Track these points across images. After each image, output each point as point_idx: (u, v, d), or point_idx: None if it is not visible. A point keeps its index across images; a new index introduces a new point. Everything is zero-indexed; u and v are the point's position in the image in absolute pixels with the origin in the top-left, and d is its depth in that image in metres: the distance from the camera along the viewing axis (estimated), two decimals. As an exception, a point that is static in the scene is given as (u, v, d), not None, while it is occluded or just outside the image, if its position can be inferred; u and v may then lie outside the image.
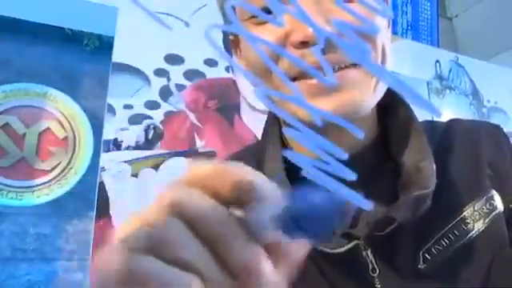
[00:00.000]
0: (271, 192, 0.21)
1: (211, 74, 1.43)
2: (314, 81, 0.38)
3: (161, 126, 1.33)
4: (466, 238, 0.43)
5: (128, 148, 1.27)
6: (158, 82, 1.35)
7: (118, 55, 1.31)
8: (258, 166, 0.47)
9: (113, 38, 1.31)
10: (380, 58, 0.41)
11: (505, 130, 0.52)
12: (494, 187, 0.46)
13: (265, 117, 0.53)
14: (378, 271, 0.41)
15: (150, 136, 1.31)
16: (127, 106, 1.30)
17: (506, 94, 2.10)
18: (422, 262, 0.41)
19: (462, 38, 2.39)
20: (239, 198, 0.21)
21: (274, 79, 0.41)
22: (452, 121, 0.53)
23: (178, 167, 1.30)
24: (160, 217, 0.21)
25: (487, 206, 0.45)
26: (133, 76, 1.33)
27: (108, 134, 1.26)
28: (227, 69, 1.45)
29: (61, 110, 1.29)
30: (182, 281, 0.19)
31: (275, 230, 0.19)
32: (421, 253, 0.41)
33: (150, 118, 1.32)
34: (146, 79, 1.34)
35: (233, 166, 0.22)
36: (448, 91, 1.96)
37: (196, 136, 1.37)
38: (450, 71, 1.99)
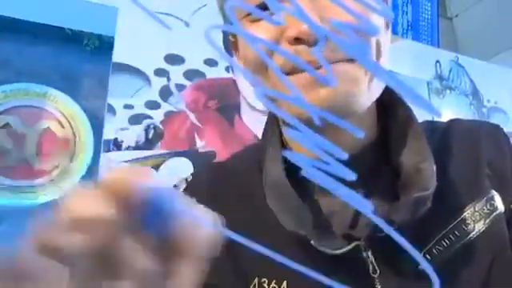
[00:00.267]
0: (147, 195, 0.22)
1: (211, 73, 1.43)
2: (305, 74, 0.38)
3: (161, 126, 1.33)
4: (466, 238, 0.43)
5: (128, 148, 1.27)
6: (158, 82, 1.36)
7: (118, 55, 1.31)
8: (259, 166, 0.47)
9: (113, 37, 1.31)
10: (375, 55, 0.41)
11: (505, 130, 0.52)
12: (495, 187, 0.46)
13: (265, 117, 0.53)
14: (378, 272, 0.41)
15: (150, 136, 1.31)
16: (127, 106, 1.30)
17: (506, 94, 2.09)
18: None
19: (462, 37, 2.39)
20: (126, 202, 0.22)
21: (270, 76, 0.41)
22: (452, 121, 0.53)
23: (178, 167, 1.30)
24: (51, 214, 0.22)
25: (488, 206, 0.45)
26: (133, 76, 1.33)
27: (108, 133, 1.26)
28: (227, 69, 1.45)
29: (61, 109, 1.29)
30: (47, 267, 0.20)
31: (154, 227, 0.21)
32: (421, 253, 0.41)
33: (150, 117, 1.32)
34: (146, 79, 1.34)
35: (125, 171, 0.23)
36: (448, 91, 1.96)
37: (196, 136, 1.37)
38: (450, 71, 1.99)
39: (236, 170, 0.52)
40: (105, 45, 1.33)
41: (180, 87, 1.38)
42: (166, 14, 1.39)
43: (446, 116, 1.66)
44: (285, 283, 0.42)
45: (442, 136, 0.49)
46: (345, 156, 0.15)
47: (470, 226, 0.43)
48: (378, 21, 0.42)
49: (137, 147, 1.28)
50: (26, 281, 0.20)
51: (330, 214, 0.44)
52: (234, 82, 1.46)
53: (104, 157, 1.24)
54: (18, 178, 1.21)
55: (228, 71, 1.46)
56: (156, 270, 0.22)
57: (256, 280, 0.43)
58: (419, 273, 0.40)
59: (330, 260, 0.40)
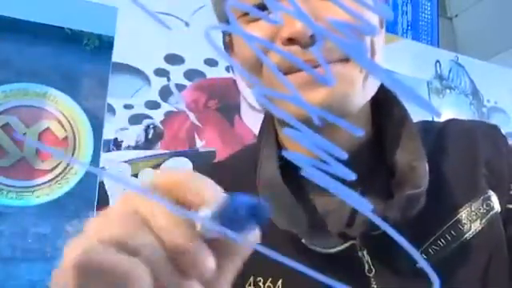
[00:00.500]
0: (214, 196, 0.23)
1: (211, 73, 1.43)
2: (302, 73, 0.38)
3: (161, 126, 1.33)
4: (462, 238, 0.43)
5: (128, 148, 1.28)
6: (158, 82, 1.36)
7: (118, 55, 1.31)
8: (254, 166, 0.47)
9: (113, 37, 1.31)
10: (369, 54, 0.41)
11: (505, 129, 0.52)
12: (491, 187, 0.46)
13: (265, 117, 0.53)
14: (374, 271, 0.41)
15: (150, 136, 1.31)
16: (127, 106, 1.30)
17: (506, 94, 2.09)
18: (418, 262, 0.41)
19: (462, 38, 2.39)
20: (187, 200, 0.23)
21: (265, 76, 0.41)
22: (449, 121, 0.53)
23: (178, 167, 1.30)
24: (119, 210, 0.23)
25: (484, 206, 0.45)
26: (133, 76, 1.33)
27: (108, 133, 1.26)
28: (227, 69, 1.45)
29: (61, 110, 1.29)
30: (128, 265, 0.20)
31: (221, 229, 0.21)
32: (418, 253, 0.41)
33: (150, 117, 1.32)
34: (146, 79, 1.34)
35: (189, 176, 0.24)
36: (448, 91, 1.96)
37: (196, 136, 1.37)
38: (450, 71, 1.99)
39: (234, 170, 0.52)
40: (105, 45, 1.33)
41: (180, 87, 1.38)
42: (166, 13, 1.39)
43: (446, 116, 1.66)
44: (280, 282, 0.42)
45: (438, 136, 0.49)
46: (344, 155, 0.15)
47: (466, 226, 0.43)
48: (373, 19, 0.43)
49: (137, 147, 1.28)
50: (113, 279, 0.20)
51: (325, 213, 0.44)
52: (234, 81, 1.46)
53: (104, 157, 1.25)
54: (18, 178, 1.21)
55: (228, 71, 1.46)
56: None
57: (251, 279, 0.43)
58: (415, 272, 0.40)
59: (326, 259, 0.40)
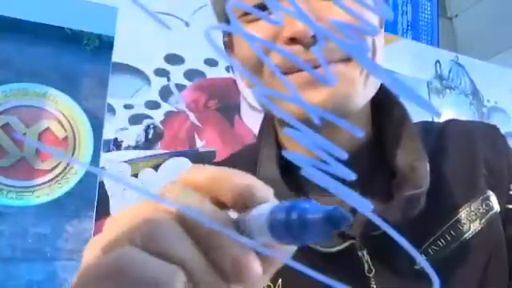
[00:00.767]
0: (267, 198, 0.21)
1: (211, 73, 1.43)
2: (303, 73, 0.38)
3: (161, 126, 1.33)
4: (462, 238, 0.43)
5: (128, 148, 1.28)
6: (158, 82, 1.36)
7: (118, 55, 1.31)
8: (254, 166, 0.47)
9: (113, 37, 1.31)
10: (371, 54, 0.41)
11: (505, 129, 0.52)
12: (491, 187, 0.46)
13: (265, 117, 0.53)
14: (373, 271, 0.41)
15: (150, 136, 1.31)
16: (127, 106, 1.30)
17: (506, 94, 2.09)
18: (418, 263, 0.41)
19: (462, 37, 2.39)
20: (236, 201, 0.21)
21: (265, 76, 0.41)
22: (448, 121, 0.53)
23: (178, 167, 1.30)
24: (151, 212, 0.21)
25: (483, 206, 0.45)
26: (133, 76, 1.33)
27: (108, 133, 1.26)
28: (227, 69, 1.45)
29: (61, 110, 1.29)
30: (164, 272, 0.19)
31: (266, 234, 0.19)
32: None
33: (150, 117, 1.32)
34: (146, 79, 1.34)
35: (233, 171, 0.22)
36: (448, 91, 1.96)
37: (196, 136, 1.37)
38: (450, 71, 1.99)
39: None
40: (105, 45, 1.33)
41: (180, 87, 1.38)
42: (166, 13, 1.39)
43: (446, 116, 1.66)
44: (280, 281, 0.42)
45: (437, 136, 0.49)
46: (345, 156, 0.15)
47: (465, 226, 0.44)
48: (373, 20, 0.43)
49: (137, 147, 1.28)
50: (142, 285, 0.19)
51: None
52: (234, 81, 1.46)
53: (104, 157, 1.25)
54: (18, 178, 1.21)
55: (228, 71, 1.46)
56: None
57: None
58: (415, 272, 0.40)
59: (325, 259, 0.40)
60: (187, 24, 1.42)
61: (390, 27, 2.12)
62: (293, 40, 0.38)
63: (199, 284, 0.20)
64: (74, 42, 1.32)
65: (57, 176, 1.25)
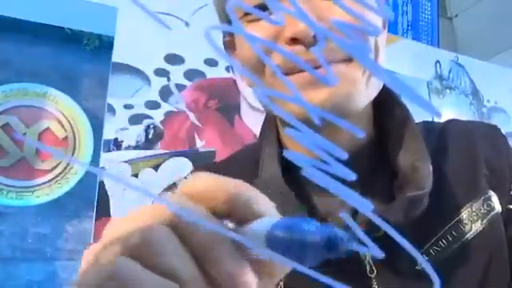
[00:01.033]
0: (267, 211, 0.21)
1: (211, 73, 1.43)
2: (304, 74, 0.38)
3: (161, 126, 1.33)
4: (463, 238, 0.43)
5: (128, 148, 1.27)
6: (158, 82, 1.36)
7: (118, 55, 1.31)
8: (255, 165, 0.47)
9: (113, 37, 1.31)
10: (373, 55, 0.41)
11: (505, 129, 0.52)
12: (492, 188, 0.46)
13: (265, 117, 0.53)
14: (375, 272, 0.41)
15: (150, 136, 1.31)
16: (127, 106, 1.30)
17: (506, 94, 2.09)
18: (419, 263, 0.41)
19: (462, 37, 2.39)
20: (234, 212, 0.21)
21: (266, 76, 0.41)
22: (449, 121, 0.53)
23: (178, 167, 1.30)
24: (148, 221, 0.20)
25: (485, 206, 0.45)
26: (133, 76, 1.33)
27: (108, 133, 1.26)
28: (227, 69, 1.45)
29: (61, 110, 1.29)
30: (156, 286, 0.19)
31: (263, 247, 0.19)
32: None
33: (150, 117, 1.32)
34: (146, 79, 1.34)
35: (232, 180, 0.22)
36: (448, 91, 1.96)
37: (196, 136, 1.37)
38: (450, 71, 1.99)
39: (234, 169, 0.52)
40: (105, 45, 1.33)
41: (180, 87, 1.38)
42: (166, 13, 1.39)
43: (446, 116, 1.66)
44: (282, 283, 0.42)
45: (439, 136, 0.49)
46: (345, 156, 0.15)
47: (467, 227, 0.43)
48: (377, 20, 0.43)
49: (137, 147, 1.28)
50: None
51: (326, 214, 0.44)
52: (234, 81, 1.46)
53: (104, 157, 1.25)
54: (18, 178, 1.21)
55: (228, 71, 1.46)
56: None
57: None
58: (416, 272, 0.40)
59: (326, 259, 0.40)
60: (187, 24, 1.42)
61: (390, 27, 2.12)
62: (294, 40, 0.38)
63: None
64: (73, 42, 1.31)
65: (57, 176, 1.24)
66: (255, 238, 0.20)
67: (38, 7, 1.25)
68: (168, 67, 1.37)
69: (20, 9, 1.23)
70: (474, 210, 0.44)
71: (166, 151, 1.32)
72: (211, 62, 1.43)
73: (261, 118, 0.53)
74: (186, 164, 1.32)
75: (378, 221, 0.16)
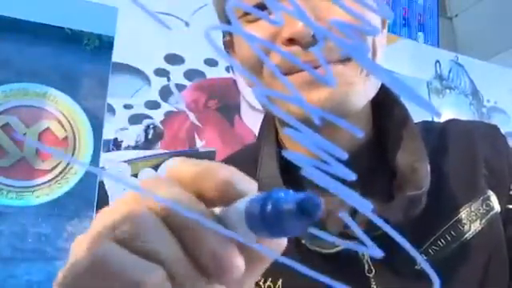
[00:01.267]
0: (249, 191, 0.21)
1: (211, 73, 1.43)
2: (303, 74, 0.38)
3: (161, 126, 1.33)
4: (462, 238, 0.43)
5: (128, 148, 1.28)
6: (158, 82, 1.36)
7: (118, 55, 1.31)
8: (254, 165, 0.47)
9: (113, 37, 1.31)
10: (371, 54, 0.41)
11: (505, 129, 0.52)
12: (491, 187, 0.46)
13: (265, 117, 0.53)
14: (373, 271, 0.41)
15: (150, 136, 1.31)
16: (127, 106, 1.30)
17: (506, 94, 2.09)
18: (418, 263, 0.41)
19: (462, 37, 2.39)
20: (220, 196, 0.21)
21: (265, 76, 0.41)
22: (448, 121, 0.53)
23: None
24: (136, 207, 0.21)
25: (484, 206, 0.45)
26: (133, 76, 1.33)
27: (108, 133, 1.26)
28: (227, 69, 1.45)
29: (61, 109, 1.29)
30: (143, 270, 0.19)
31: (250, 229, 0.19)
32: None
33: (150, 117, 1.32)
34: (146, 79, 1.34)
35: (217, 164, 0.22)
36: (448, 91, 1.96)
37: (196, 136, 1.37)
38: (450, 71, 1.99)
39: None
40: (105, 45, 1.33)
41: (180, 87, 1.38)
42: (166, 13, 1.39)
43: (445, 116, 1.66)
44: (280, 282, 0.42)
45: (438, 136, 0.49)
46: (345, 156, 0.15)
47: (466, 226, 0.44)
48: (376, 20, 0.43)
49: (137, 147, 1.28)
50: (117, 281, 0.19)
51: (325, 213, 0.44)
52: (234, 81, 1.46)
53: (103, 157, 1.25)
54: (18, 178, 1.21)
55: (228, 71, 1.46)
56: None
57: None
58: (415, 272, 0.40)
59: (325, 259, 0.40)
60: (187, 24, 1.42)
61: (390, 27, 2.12)
62: (291, 41, 0.38)
63: (180, 283, 0.19)
64: (73, 42, 1.31)
65: (57, 176, 1.24)
66: (235, 217, 0.20)
67: (38, 7, 1.25)
68: (168, 67, 1.37)
69: (20, 9, 1.23)
70: (473, 209, 0.44)
71: (166, 151, 1.32)
72: (211, 62, 1.43)
73: (261, 117, 0.53)
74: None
75: (378, 220, 0.16)
